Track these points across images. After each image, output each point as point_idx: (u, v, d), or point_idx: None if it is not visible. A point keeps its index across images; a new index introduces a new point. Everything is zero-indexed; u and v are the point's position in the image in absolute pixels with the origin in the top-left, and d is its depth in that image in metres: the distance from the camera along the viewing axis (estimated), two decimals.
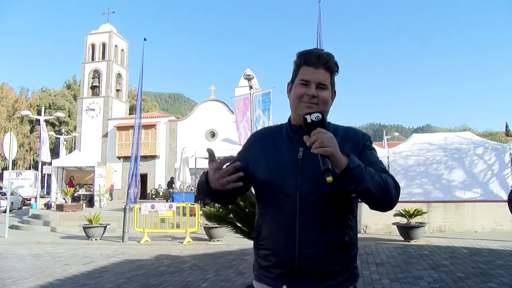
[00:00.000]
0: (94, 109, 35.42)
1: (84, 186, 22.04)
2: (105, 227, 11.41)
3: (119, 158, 33.37)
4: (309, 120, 1.31)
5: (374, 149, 1.52)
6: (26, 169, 42.38)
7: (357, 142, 1.48)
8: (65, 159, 22.28)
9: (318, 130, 1.29)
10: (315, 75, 1.44)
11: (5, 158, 13.62)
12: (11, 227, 13.72)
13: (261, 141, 1.58)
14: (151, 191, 32.06)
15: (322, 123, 1.32)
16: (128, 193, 11.60)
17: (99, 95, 35.81)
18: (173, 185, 19.70)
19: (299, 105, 1.46)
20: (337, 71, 1.50)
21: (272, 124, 12.42)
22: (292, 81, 1.52)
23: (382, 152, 13.10)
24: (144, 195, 30.80)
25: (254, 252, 1.57)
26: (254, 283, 1.56)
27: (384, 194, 1.34)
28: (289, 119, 1.57)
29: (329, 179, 1.24)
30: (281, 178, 1.44)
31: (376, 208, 1.40)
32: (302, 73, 1.46)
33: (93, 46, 36.75)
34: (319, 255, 1.40)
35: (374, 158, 1.46)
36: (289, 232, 1.41)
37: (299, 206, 1.41)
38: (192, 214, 11.38)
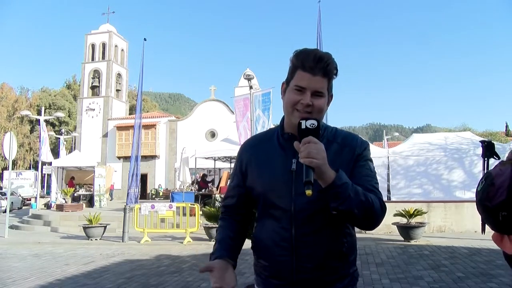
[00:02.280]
0: (94, 109, 35.44)
1: (84, 186, 22.04)
2: (105, 227, 11.41)
3: (119, 158, 33.38)
4: (303, 126, 1.25)
5: (370, 159, 1.44)
6: (26, 169, 42.38)
7: (354, 149, 1.41)
8: (65, 159, 22.31)
9: (309, 139, 1.21)
10: (312, 82, 1.33)
11: (5, 158, 13.61)
12: (11, 227, 13.72)
13: (252, 150, 1.51)
14: (151, 191, 32.08)
15: (316, 131, 1.24)
16: (128, 193, 11.60)
17: (99, 95, 35.83)
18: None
19: (292, 112, 1.37)
20: (336, 74, 1.39)
21: (272, 124, 12.50)
22: (287, 82, 1.41)
23: (382, 152, 13.10)
24: (144, 195, 30.81)
25: (254, 257, 1.54)
26: (256, 285, 1.55)
27: (367, 216, 1.29)
28: (281, 124, 1.48)
29: (309, 192, 1.17)
30: (275, 192, 1.39)
31: (357, 226, 1.37)
32: (298, 78, 1.35)
33: (93, 46, 36.75)
34: (317, 269, 1.36)
35: (367, 172, 1.40)
36: (284, 246, 1.37)
37: (294, 220, 1.36)
38: (192, 214, 11.37)
